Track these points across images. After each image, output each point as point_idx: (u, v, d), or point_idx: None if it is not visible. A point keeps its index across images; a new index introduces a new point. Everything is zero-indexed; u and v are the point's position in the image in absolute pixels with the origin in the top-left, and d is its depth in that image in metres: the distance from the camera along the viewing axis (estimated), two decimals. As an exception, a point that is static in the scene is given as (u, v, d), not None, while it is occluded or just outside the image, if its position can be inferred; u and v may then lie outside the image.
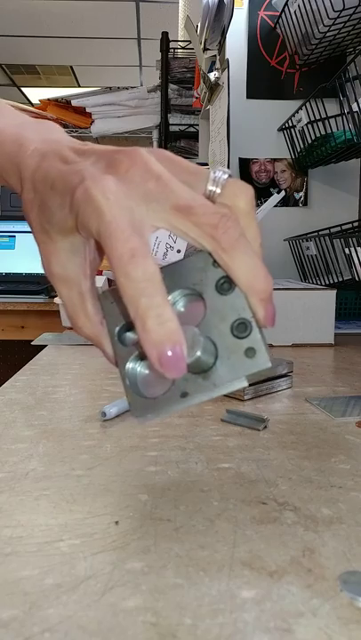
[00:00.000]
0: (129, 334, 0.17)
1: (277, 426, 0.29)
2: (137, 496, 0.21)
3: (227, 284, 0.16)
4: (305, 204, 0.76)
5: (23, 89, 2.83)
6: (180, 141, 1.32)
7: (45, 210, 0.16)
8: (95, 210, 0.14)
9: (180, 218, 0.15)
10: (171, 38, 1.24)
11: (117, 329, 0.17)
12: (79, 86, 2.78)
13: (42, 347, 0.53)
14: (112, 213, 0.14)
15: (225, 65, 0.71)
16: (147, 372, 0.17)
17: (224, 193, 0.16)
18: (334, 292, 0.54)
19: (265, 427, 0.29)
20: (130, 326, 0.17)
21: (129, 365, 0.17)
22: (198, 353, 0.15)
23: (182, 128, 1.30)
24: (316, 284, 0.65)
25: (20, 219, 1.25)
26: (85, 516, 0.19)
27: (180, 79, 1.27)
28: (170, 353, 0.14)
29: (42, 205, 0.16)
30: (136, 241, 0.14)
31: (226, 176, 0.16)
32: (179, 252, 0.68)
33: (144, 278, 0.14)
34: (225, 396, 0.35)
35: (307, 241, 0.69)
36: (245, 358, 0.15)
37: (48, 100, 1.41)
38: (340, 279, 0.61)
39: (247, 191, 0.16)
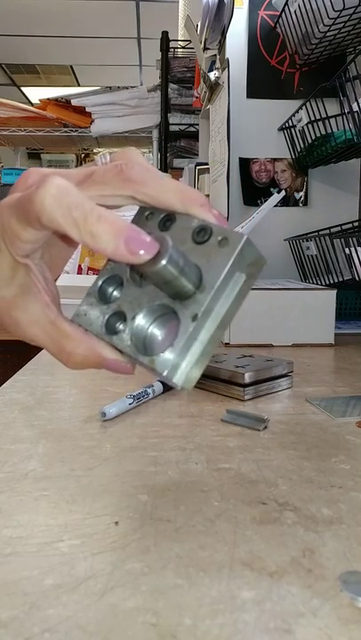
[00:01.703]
0: (115, 321, 0.16)
1: (278, 426, 0.29)
2: (137, 496, 0.21)
3: (168, 222, 0.16)
4: (305, 203, 0.76)
5: (23, 88, 2.83)
6: (180, 141, 1.32)
7: None
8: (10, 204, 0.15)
9: (87, 186, 0.15)
10: (171, 38, 1.24)
11: (102, 329, 0.16)
12: (79, 86, 2.78)
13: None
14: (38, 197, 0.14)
15: (225, 64, 0.71)
16: (149, 330, 0.16)
17: (114, 160, 0.16)
18: (334, 291, 0.54)
19: (265, 427, 0.29)
20: (110, 321, 0.16)
21: (132, 345, 0.15)
22: (171, 254, 0.14)
23: (182, 128, 1.30)
24: (317, 283, 0.65)
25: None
26: (85, 516, 0.19)
27: (180, 79, 1.27)
28: (132, 233, 0.14)
29: None
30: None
31: (108, 154, 0.17)
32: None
33: (61, 193, 0.14)
34: (225, 395, 0.35)
35: (307, 241, 0.69)
36: (222, 249, 0.15)
37: (48, 99, 1.41)
38: (341, 279, 0.61)
39: (133, 149, 0.16)
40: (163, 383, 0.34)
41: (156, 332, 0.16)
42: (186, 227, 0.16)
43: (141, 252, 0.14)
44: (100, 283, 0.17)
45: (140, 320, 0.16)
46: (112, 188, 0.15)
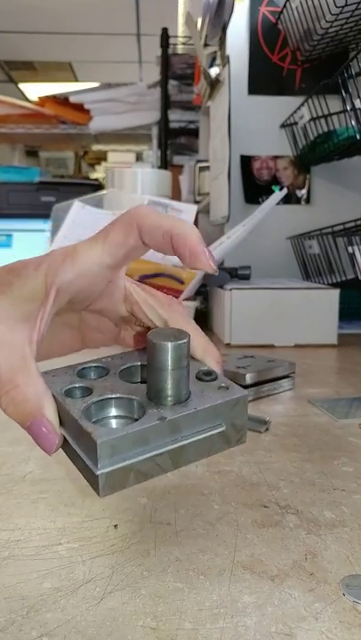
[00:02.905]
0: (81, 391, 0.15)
1: (279, 428, 0.29)
2: (136, 499, 0.21)
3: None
4: (308, 201, 0.75)
5: (20, 85, 2.82)
6: (181, 138, 1.31)
7: (4, 285, 0.16)
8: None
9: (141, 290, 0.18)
10: (171, 34, 1.22)
11: (61, 390, 0.15)
12: (78, 82, 2.76)
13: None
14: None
15: (226, 61, 0.70)
16: (106, 408, 0.15)
17: (159, 301, 0.18)
18: (337, 291, 0.53)
19: (267, 429, 0.28)
20: (73, 390, 0.16)
21: (81, 410, 0.14)
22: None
23: (182, 125, 1.29)
24: (319, 283, 0.65)
25: (18, 217, 1.24)
26: (84, 519, 0.19)
27: (180, 75, 1.25)
28: (33, 425, 0.14)
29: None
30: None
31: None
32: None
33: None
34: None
35: (309, 239, 0.69)
36: (220, 391, 0.15)
37: (46, 96, 1.40)
38: (344, 278, 0.61)
39: (179, 305, 0.18)
40: None
41: (114, 412, 0.15)
42: (194, 367, 0.16)
43: (40, 443, 0.14)
44: (84, 366, 0.17)
45: (104, 400, 0.15)
46: (157, 303, 0.18)
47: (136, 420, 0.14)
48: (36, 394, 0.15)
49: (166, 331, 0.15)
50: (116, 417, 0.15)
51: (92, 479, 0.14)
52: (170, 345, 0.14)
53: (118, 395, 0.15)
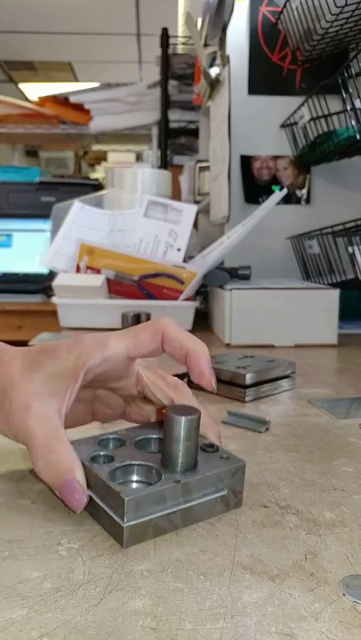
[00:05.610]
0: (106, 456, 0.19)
1: (279, 428, 0.29)
2: (137, 499, 0.21)
3: None
4: (308, 201, 0.75)
5: (20, 85, 2.82)
6: (181, 138, 1.31)
7: (38, 365, 0.19)
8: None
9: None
10: (171, 34, 1.22)
11: (87, 457, 0.19)
12: (78, 82, 2.77)
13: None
14: None
15: (226, 61, 0.71)
16: (129, 474, 0.19)
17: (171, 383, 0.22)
18: (337, 291, 0.54)
19: (267, 429, 0.28)
20: (97, 457, 0.19)
21: (108, 474, 0.18)
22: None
23: (182, 125, 1.29)
24: (319, 283, 0.65)
25: (18, 217, 1.24)
26: (84, 519, 0.19)
27: (180, 75, 1.26)
28: (65, 485, 0.17)
29: (33, 362, 0.19)
30: None
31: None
32: (179, 250, 0.67)
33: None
34: (226, 396, 0.35)
35: (310, 239, 0.69)
36: (222, 460, 0.19)
37: (46, 96, 1.40)
38: (344, 278, 0.61)
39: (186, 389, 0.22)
40: None
41: (134, 477, 0.19)
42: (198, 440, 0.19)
43: (69, 502, 0.18)
44: (104, 437, 0.20)
45: (126, 466, 0.19)
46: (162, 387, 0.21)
47: (151, 484, 0.18)
48: (68, 458, 0.18)
49: (181, 407, 0.19)
50: (135, 481, 0.19)
51: (118, 532, 0.17)
52: (184, 419, 0.18)
53: (138, 462, 0.19)
